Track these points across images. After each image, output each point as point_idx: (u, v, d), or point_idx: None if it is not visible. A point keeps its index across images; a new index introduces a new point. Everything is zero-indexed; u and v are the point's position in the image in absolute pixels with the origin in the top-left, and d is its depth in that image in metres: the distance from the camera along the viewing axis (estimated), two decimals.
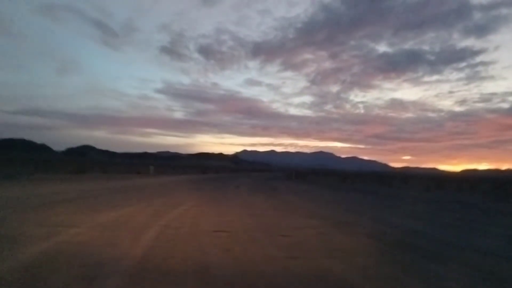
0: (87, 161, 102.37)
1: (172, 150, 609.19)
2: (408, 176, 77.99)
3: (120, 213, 8.95)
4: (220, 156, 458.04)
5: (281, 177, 59.66)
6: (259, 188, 23.79)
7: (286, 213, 11.04)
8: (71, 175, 30.40)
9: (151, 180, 27.36)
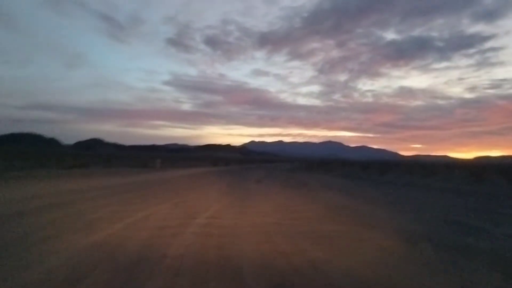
0: (94, 154, 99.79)
1: (180, 142, 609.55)
2: (434, 165, 73.54)
3: (104, 238, 5.30)
4: (228, 147, 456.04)
5: (300, 167, 55.93)
6: (285, 183, 20.11)
7: (356, 226, 7.29)
8: (70, 170, 27.05)
9: (157, 175, 23.84)
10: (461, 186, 21.64)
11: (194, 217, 7.79)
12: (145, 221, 7.14)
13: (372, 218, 8.56)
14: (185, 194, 12.56)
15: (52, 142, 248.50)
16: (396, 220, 8.41)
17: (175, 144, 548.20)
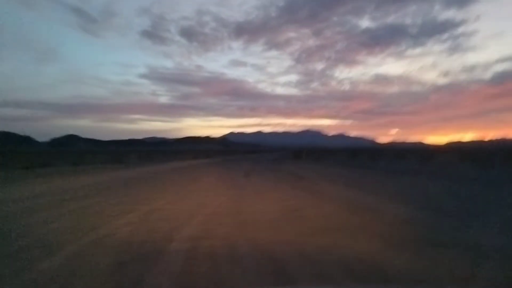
0: (69, 151, 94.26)
1: (159, 136, 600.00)
2: (414, 150, 72.94)
3: None
4: (208, 139, 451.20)
5: (285, 157, 53.55)
6: (277, 176, 17.57)
7: (403, 246, 4.78)
8: (27, 170, 23.54)
9: (131, 172, 20.80)
10: (469, 172, 19.69)
11: (169, 237, 5.07)
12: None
13: (409, 228, 6.07)
14: (160, 197, 9.77)
15: (26, 140, 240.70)
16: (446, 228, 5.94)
17: (154, 138, 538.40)
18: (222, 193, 10.67)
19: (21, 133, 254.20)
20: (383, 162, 33.68)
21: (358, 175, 18.18)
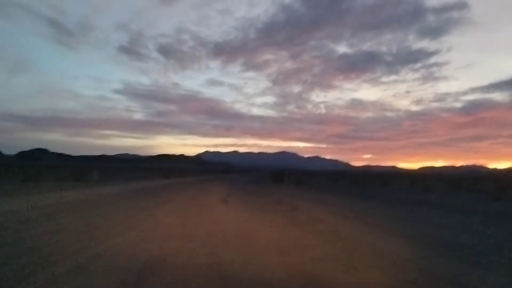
0: (35, 165, 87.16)
1: (132, 152, 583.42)
2: (392, 175, 71.89)
3: None
4: (183, 157, 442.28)
5: (263, 178, 50.39)
6: (262, 203, 14.48)
7: None
8: None
9: (83, 193, 17.09)
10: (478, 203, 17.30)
11: None
12: None
13: None
14: (81, 249, 6.46)
15: None
16: None
17: (126, 154, 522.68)
18: (191, 233, 7.52)
19: None
20: (371, 188, 31.24)
21: (361, 205, 15.34)
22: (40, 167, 61.19)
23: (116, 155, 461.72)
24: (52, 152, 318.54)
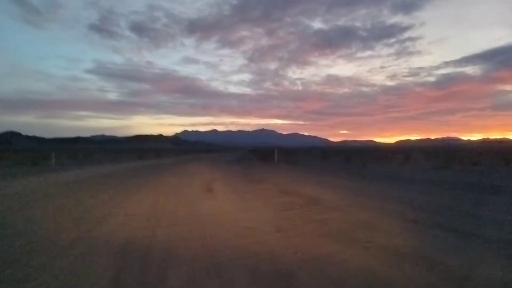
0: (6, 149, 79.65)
1: (108, 133, 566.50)
2: (380, 150, 69.83)
3: None
4: (160, 137, 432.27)
5: (249, 157, 46.62)
6: (260, 191, 10.77)
7: None
8: None
9: (28, 183, 12.84)
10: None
11: None
12: None
13: None
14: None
15: None
16: None
17: (102, 136, 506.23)
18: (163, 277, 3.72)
19: None
20: (370, 165, 28.08)
21: (393, 191, 11.80)
22: (3, 151, 54.96)
23: (91, 136, 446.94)
24: (25, 136, 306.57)
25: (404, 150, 65.55)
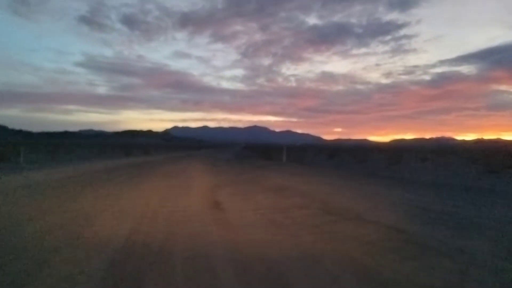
0: None
1: (96, 128, 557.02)
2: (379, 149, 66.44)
3: None
4: (150, 133, 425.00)
5: (245, 155, 42.53)
6: (306, 220, 6.79)
7: None
8: None
9: None
10: None
11: None
12: None
13: None
14: None
15: None
16: None
17: (91, 130, 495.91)
18: None
19: None
20: (395, 167, 24.31)
21: (468, 205, 7.89)
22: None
23: (80, 131, 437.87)
24: (11, 129, 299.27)
25: (418, 149, 62.27)
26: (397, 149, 60.35)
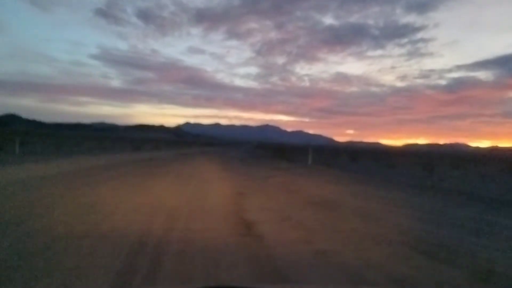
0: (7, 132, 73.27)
1: (108, 121, 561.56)
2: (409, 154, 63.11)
3: None
4: (161, 128, 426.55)
5: (259, 154, 39.97)
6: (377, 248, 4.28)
7: None
8: None
9: None
10: None
11: None
12: None
13: None
14: None
15: None
16: None
17: (103, 123, 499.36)
18: None
19: None
20: (416, 171, 21.45)
21: None
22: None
23: (92, 123, 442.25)
24: (25, 119, 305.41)
25: (435, 155, 58.85)
26: (423, 155, 57.01)
